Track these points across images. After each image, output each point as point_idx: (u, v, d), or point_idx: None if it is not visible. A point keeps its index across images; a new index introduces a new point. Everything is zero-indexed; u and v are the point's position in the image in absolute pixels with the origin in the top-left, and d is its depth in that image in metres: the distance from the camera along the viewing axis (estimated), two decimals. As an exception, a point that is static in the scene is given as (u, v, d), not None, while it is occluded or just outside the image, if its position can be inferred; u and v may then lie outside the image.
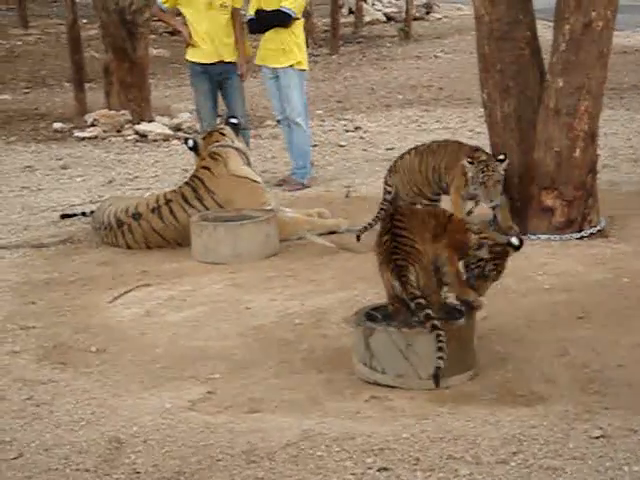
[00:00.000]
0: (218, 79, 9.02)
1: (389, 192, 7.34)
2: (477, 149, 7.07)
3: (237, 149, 7.55)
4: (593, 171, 6.92)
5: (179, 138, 11.50)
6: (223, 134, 7.59)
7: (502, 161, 6.79)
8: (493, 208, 6.95)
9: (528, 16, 7.01)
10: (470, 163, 6.79)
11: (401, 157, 7.42)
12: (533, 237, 6.76)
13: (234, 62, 8.99)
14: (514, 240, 4.71)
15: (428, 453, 3.92)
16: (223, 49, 8.94)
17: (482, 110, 7.49)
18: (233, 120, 7.81)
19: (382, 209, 7.23)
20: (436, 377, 4.42)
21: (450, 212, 5.00)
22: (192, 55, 9.05)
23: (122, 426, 4.29)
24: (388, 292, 4.68)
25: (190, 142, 7.67)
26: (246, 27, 9.16)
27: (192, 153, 7.73)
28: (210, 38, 8.90)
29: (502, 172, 6.79)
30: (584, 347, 4.90)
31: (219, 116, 9.64)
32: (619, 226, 7.06)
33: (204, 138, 7.66)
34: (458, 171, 6.94)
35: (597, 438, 3.96)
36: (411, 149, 7.45)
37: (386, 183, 7.39)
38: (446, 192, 7.16)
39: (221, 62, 8.95)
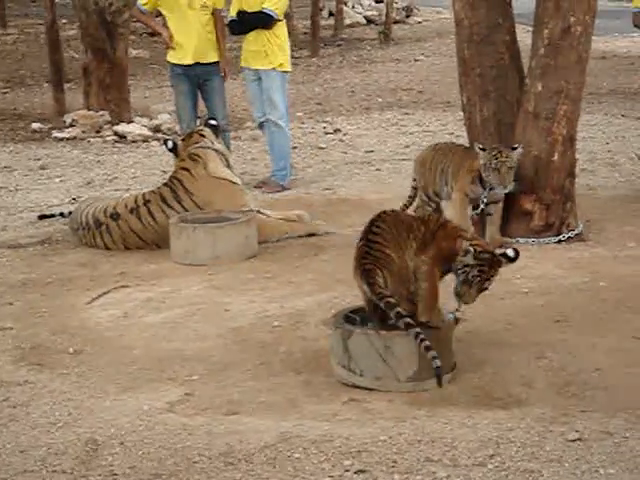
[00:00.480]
0: (198, 81, 9.00)
1: (414, 180, 7.44)
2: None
3: (216, 150, 7.54)
4: (572, 175, 6.95)
5: (158, 139, 11.47)
6: (203, 135, 7.58)
7: (515, 149, 6.70)
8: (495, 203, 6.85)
9: (508, 20, 7.05)
10: (482, 150, 6.70)
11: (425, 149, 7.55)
12: (511, 240, 6.78)
13: (215, 63, 8.98)
14: (509, 252, 4.65)
15: (406, 456, 3.92)
16: (203, 50, 8.92)
17: (462, 113, 7.51)
18: (212, 122, 7.78)
19: (410, 196, 7.43)
20: (438, 377, 4.42)
21: (445, 219, 4.93)
22: (172, 56, 9.03)
23: (99, 427, 4.27)
24: (363, 298, 4.68)
25: (169, 143, 7.65)
26: (227, 28, 9.14)
27: (171, 154, 7.70)
28: (190, 39, 8.88)
29: (515, 159, 6.68)
30: (561, 350, 4.92)
31: (199, 117, 9.62)
32: (597, 230, 7.10)
33: (184, 139, 7.64)
34: (464, 169, 6.89)
35: (573, 441, 3.97)
36: (435, 144, 7.59)
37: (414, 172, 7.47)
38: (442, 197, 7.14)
39: (201, 63, 8.93)
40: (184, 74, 8.99)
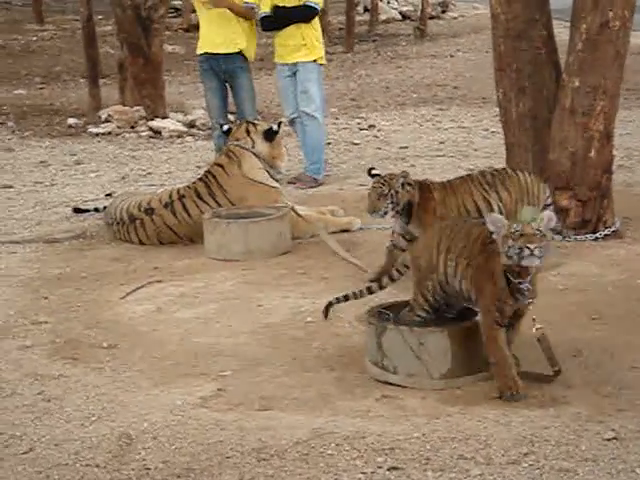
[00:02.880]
0: (225, 77, 8.99)
1: None
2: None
3: (255, 154, 7.46)
4: (608, 172, 6.88)
5: (193, 135, 11.51)
6: (248, 132, 7.52)
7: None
8: None
9: (544, 15, 6.98)
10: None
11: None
12: (547, 237, 6.72)
13: (240, 57, 8.93)
14: None
15: (439, 453, 3.90)
16: (229, 39, 8.87)
17: (497, 109, 7.46)
18: (275, 127, 7.54)
19: None
20: (326, 309, 4.93)
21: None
22: (200, 48, 9.04)
23: (132, 422, 4.28)
24: None
25: (225, 127, 7.70)
26: (259, 24, 9.11)
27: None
28: (216, 27, 8.84)
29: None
30: (598, 348, 4.86)
31: (232, 113, 9.64)
32: (634, 227, 7.02)
33: (231, 130, 7.62)
34: None
35: (609, 440, 3.93)
36: None
37: None
38: None
39: (225, 55, 8.88)
40: (211, 70, 8.99)
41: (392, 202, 5.95)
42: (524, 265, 4.20)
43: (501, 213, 5.91)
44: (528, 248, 4.16)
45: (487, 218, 4.38)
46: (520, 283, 4.26)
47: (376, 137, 11.14)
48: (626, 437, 3.95)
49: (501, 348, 4.33)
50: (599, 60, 6.63)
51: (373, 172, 6.18)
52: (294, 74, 8.98)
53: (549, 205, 6.14)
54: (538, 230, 4.19)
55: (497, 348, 4.33)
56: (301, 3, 8.80)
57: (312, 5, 8.80)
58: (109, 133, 11.77)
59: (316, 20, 8.95)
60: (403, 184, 5.98)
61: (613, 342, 4.93)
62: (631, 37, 6.84)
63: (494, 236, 4.28)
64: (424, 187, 6.13)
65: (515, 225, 4.19)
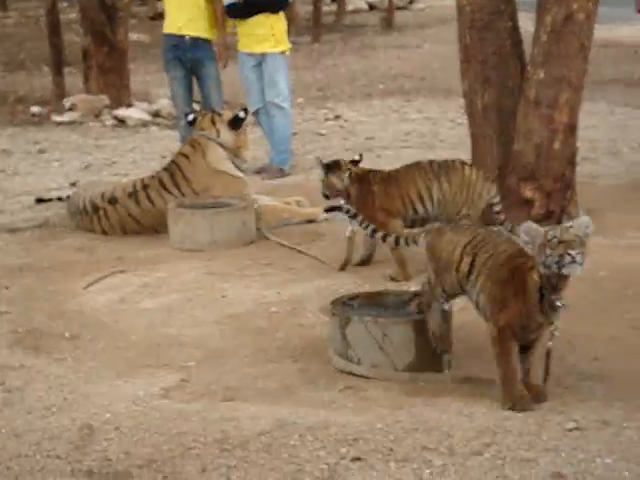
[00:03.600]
0: (191, 65, 8.93)
1: None
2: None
3: (220, 144, 7.42)
4: (572, 163, 6.91)
5: (158, 124, 11.45)
6: (213, 123, 7.47)
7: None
8: None
9: (509, 7, 7.00)
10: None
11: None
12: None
13: (207, 45, 8.88)
14: None
15: (402, 444, 3.90)
16: (195, 25, 8.82)
17: (463, 100, 7.46)
18: (241, 114, 7.51)
19: None
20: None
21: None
22: (165, 28, 8.99)
23: (94, 413, 4.25)
24: None
25: (191, 117, 7.63)
26: (226, 11, 9.03)
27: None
28: (181, 12, 8.79)
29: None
30: (560, 340, 4.86)
31: (197, 102, 9.59)
32: (597, 219, 7.01)
33: (197, 119, 7.56)
34: None
35: (571, 430, 3.95)
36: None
37: None
38: None
39: (193, 39, 8.83)
40: (176, 59, 8.93)
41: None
42: (564, 273, 4.04)
43: (440, 203, 6.09)
44: (569, 255, 3.99)
45: (521, 228, 4.15)
46: (556, 299, 4.11)
47: (342, 127, 11.13)
48: (587, 427, 3.97)
49: (512, 362, 4.22)
50: (564, 52, 6.65)
51: (323, 162, 6.29)
52: (259, 64, 8.94)
53: (495, 205, 6.16)
54: (577, 236, 4.04)
55: (509, 361, 4.21)
56: None
57: None
58: (73, 122, 11.68)
59: (282, 10, 8.94)
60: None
61: (575, 334, 4.95)
62: (595, 30, 6.87)
63: (529, 247, 4.11)
64: (364, 179, 6.17)
65: (552, 232, 4.05)
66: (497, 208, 6.17)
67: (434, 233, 4.66)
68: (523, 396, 4.20)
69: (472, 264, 4.38)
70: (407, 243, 4.90)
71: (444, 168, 6.19)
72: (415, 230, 5.02)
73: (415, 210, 6.13)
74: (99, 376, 4.69)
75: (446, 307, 4.58)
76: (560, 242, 4.01)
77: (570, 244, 4.00)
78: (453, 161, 6.33)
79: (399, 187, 6.15)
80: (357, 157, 6.40)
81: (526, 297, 4.15)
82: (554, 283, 4.09)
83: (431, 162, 6.29)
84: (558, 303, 4.12)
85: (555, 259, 4.00)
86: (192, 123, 7.57)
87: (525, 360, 4.28)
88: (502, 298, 4.23)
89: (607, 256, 6.21)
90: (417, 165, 6.28)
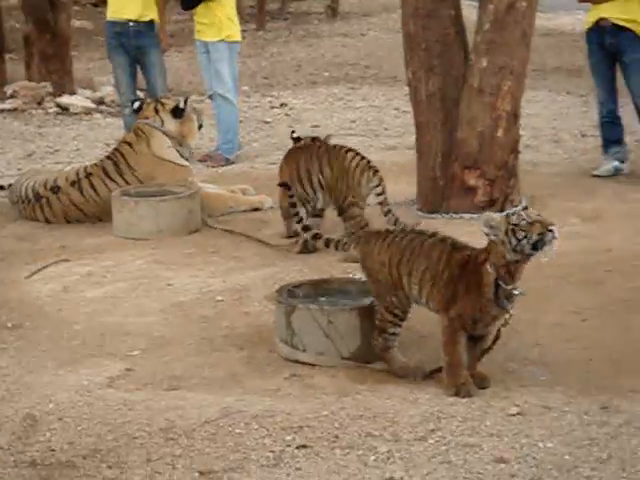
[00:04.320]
0: (136, 53, 8.87)
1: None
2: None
3: (164, 132, 7.36)
4: (515, 151, 6.98)
5: (101, 112, 11.34)
6: (157, 111, 7.40)
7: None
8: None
9: (453, -5, 7.03)
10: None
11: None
12: (456, 216, 6.81)
13: (151, 31, 8.82)
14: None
15: (347, 431, 3.92)
16: (139, 9, 8.76)
17: (407, 89, 7.49)
18: (180, 104, 7.42)
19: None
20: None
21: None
22: (110, 14, 8.92)
23: (37, 403, 4.21)
24: None
25: (137, 104, 7.57)
26: (180, 3, 9.06)
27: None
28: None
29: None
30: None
31: (141, 90, 9.52)
32: (540, 206, 7.09)
33: (141, 108, 7.50)
34: None
35: (514, 415, 4.00)
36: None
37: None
38: None
39: (137, 23, 8.78)
40: (121, 46, 8.86)
41: None
42: (546, 251, 3.99)
43: (323, 188, 6.26)
44: (550, 231, 3.98)
45: (481, 220, 4.13)
46: (513, 288, 4.13)
47: (288, 115, 11.11)
48: (529, 412, 4.03)
49: (458, 351, 4.22)
50: (506, 40, 6.71)
51: (294, 135, 6.48)
52: (208, 52, 8.91)
53: (380, 195, 6.17)
54: (538, 215, 4.05)
55: (456, 351, 4.23)
56: None
57: None
58: (15, 109, 11.50)
59: (229, -3, 8.89)
60: None
61: (518, 319, 4.97)
62: (537, 19, 6.93)
63: (491, 237, 4.09)
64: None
65: (514, 217, 4.03)
66: (380, 199, 6.16)
67: (363, 246, 4.57)
68: (466, 382, 4.24)
69: (411, 280, 4.34)
70: (337, 248, 4.80)
71: (329, 153, 6.33)
72: (344, 237, 4.94)
73: (305, 191, 6.27)
74: (42, 366, 4.65)
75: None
76: (533, 223, 4.00)
77: (544, 222, 4.00)
78: (341, 147, 6.42)
79: (288, 165, 6.42)
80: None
81: (481, 292, 4.16)
82: (513, 271, 4.10)
83: (320, 146, 6.45)
84: (515, 292, 4.15)
85: (534, 239, 3.98)
86: (138, 111, 7.51)
87: (473, 349, 4.32)
88: (453, 293, 4.23)
89: (549, 243, 6.28)
90: (306, 147, 6.49)
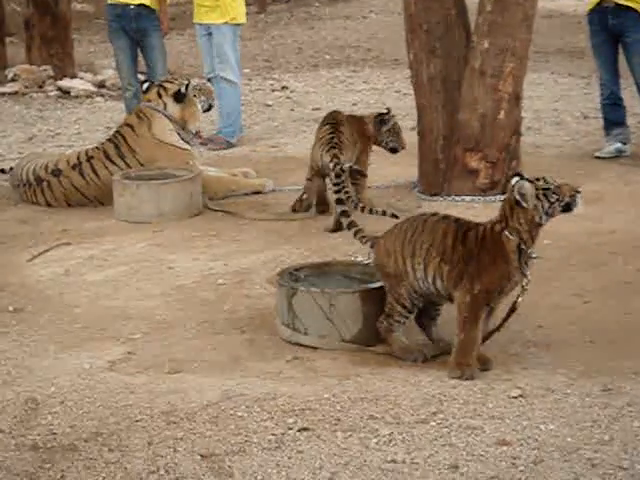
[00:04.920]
0: (137, 36, 8.84)
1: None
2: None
3: (167, 116, 7.34)
4: (517, 133, 6.95)
5: (102, 95, 11.31)
6: (160, 95, 7.37)
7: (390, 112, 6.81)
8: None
9: (455, -24, 6.99)
10: (385, 115, 6.75)
11: (338, 132, 6.61)
12: (457, 198, 6.79)
13: (152, 15, 8.79)
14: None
15: (349, 413, 3.92)
16: None
17: (409, 71, 7.46)
18: (182, 89, 7.34)
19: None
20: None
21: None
22: None
23: (39, 387, 4.22)
24: None
25: (145, 85, 7.54)
26: None
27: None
28: None
29: None
30: (505, 308, 4.92)
31: (142, 73, 9.49)
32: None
33: (145, 91, 7.48)
34: (365, 140, 6.73)
35: (515, 398, 4.00)
36: (336, 122, 6.70)
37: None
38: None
39: (139, 12, 8.75)
40: (121, 29, 8.83)
41: None
42: (575, 212, 4.27)
43: None
44: (578, 192, 4.23)
45: (515, 186, 4.21)
46: (531, 252, 4.25)
47: (289, 98, 11.08)
48: (531, 394, 4.02)
49: (478, 328, 4.26)
50: (508, 22, 6.67)
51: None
52: (210, 34, 8.87)
53: (331, 178, 6.14)
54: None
55: (476, 328, 4.25)
56: None
57: None
58: (16, 93, 11.48)
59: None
60: None
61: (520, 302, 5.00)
62: (539, 0, 6.90)
63: (524, 202, 4.19)
64: None
65: (540, 182, 4.22)
66: (333, 180, 5.84)
67: (377, 249, 4.56)
68: (471, 365, 4.24)
69: (415, 261, 4.35)
70: (355, 236, 4.75)
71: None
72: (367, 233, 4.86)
73: None
74: (44, 349, 4.65)
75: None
76: (560, 186, 4.22)
77: (570, 185, 4.25)
78: (328, 119, 6.68)
79: None
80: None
81: (507, 260, 4.23)
82: (534, 235, 4.25)
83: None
84: (534, 255, 4.26)
85: (567, 200, 4.20)
86: (145, 93, 7.49)
87: (484, 325, 4.34)
88: (477, 269, 4.24)
89: (551, 225, 6.25)
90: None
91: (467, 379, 4.20)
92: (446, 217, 4.44)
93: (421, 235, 4.38)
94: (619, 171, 7.51)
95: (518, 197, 4.19)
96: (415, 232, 4.40)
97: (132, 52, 8.99)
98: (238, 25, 8.95)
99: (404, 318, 4.45)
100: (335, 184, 5.82)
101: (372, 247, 4.61)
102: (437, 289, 4.36)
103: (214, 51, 8.84)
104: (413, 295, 4.40)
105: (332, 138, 6.49)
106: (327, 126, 6.61)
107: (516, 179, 4.30)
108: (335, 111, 6.92)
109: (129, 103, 9.00)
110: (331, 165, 6.29)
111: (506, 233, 4.23)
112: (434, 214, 4.50)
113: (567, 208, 4.24)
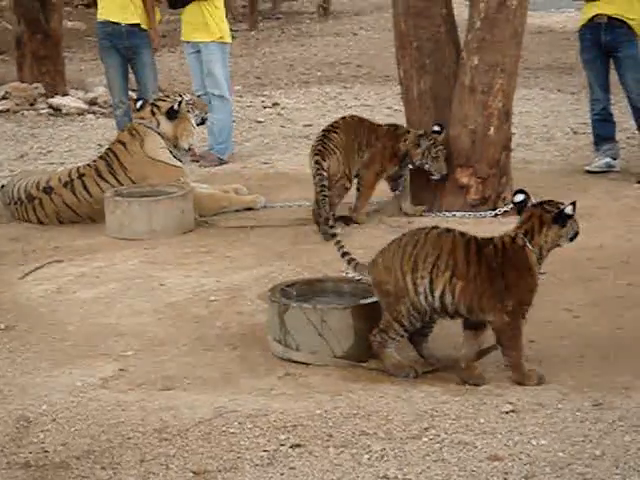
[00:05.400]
0: (127, 53, 8.87)
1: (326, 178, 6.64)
2: (396, 127, 7.01)
3: (160, 133, 7.35)
4: (507, 149, 6.99)
5: (94, 112, 11.32)
6: (153, 113, 7.40)
7: (440, 132, 6.79)
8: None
9: (444, -7, 7.04)
10: (421, 136, 6.73)
11: (327, 137, 6.75)
12: (448, 214, 6.82)
13: (143, 34, 8.82)
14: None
15: (341, 429, 3.92)
16: (128, 12, 8.76)
17: (399, 87, 7.49)
18: (175, 106, 7.36)
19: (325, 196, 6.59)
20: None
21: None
22: (100, 15, 8.90)
23: (30, 404, 4.21)
24: None
25: (139, 103, 7.56)
26: (167, 2, 9.05)
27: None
28: (121, 2, 8.74)
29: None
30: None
31: (133, 90, 9.51)
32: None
33: (139, 109, 7.50)
34: (386, 152, 6.79)
35: (507, 413, 4.00)
36: (332, 128, 6.84)
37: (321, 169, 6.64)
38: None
39: (128, 26, 8.78)
40: (112, 47, 8.86)
41: None
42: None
43: None
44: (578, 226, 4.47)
45: (568, 209, 4.36)
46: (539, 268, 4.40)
47: (280, 115, 11.11)
48: (523, 409, 4.03)
49: (522, 343, 4.35)
50: (497, 38, 6.72)
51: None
52: (198, 52, 8.90)
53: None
54: None
55: (520, 344, 4.33)
56: None
57: None
58: (7, 110, 11.48)
59: (219, -2, 8.89)
60: None
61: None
62: (529, 17, 6.94)
63: (567, 227, 4.37)
64: None
65: (569, 208, 4.36)
66: (316, 189, 6.57)
67: (371, 264, 4.52)
68: (531, 372, 4.31)
69: (416, 275, 4.31)
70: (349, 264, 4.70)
71: None
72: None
73: None
74: (36, 367, 4.65)
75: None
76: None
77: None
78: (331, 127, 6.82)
79: None
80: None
81: (532, 273, 4.31)
82: (545, 255, 4.37)
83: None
84: (542, 270, 4.43)
85: (576, 231, 4.41)
86: (140, 109, 7.51)
87: (475, 339, 4.42)
88: (506, 285, 4.26)
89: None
90: None
91: (540, 382, 4.26)
92: (449, 230, 4.42)
93: (423, 249, 4.34)
94: (608, 186, 7.55)
95: (560, 216, 4.32)
96: (416, 246, 4.35)
97: (123, 69, 9.01)
98: (225, 44, 8.96)
99: (399, 336, 4.44)
100: (318, 192, 6.08)
101: (355, 268, 4.59)
102: (443, 304, 4.32)
103: (204, 69, 8.87)
104: (412, 313, 4.36)
105: (318, 144, 6.68)
106: (321, 132, 6.81)
107: (521, 196, 4.48)
108: (347, 115, 7.15)
109: (120, 120, 9.02)
110: (313, 171, 6.57)
111: (530, 246, 4.30)
112: (435, 227, 4.48)
113: (574, 237, 4.42)
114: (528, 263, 4.29)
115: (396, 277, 4.36)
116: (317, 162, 6.59)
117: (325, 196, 6.50)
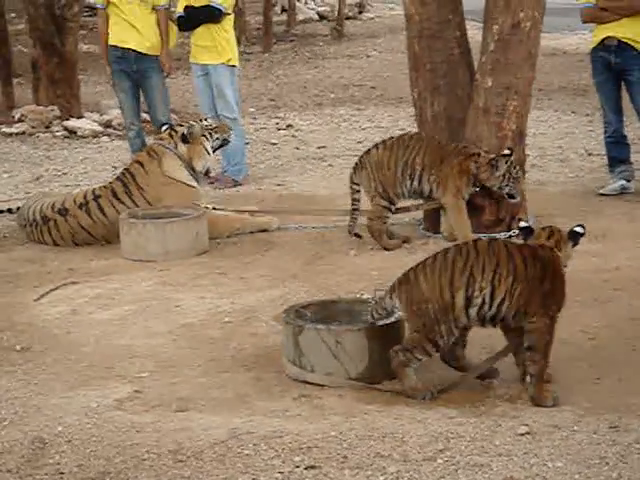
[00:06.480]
0: (137, 77, 8.92)
1: (357, 191, 6.85)
2: (465, 146, 6.81)
3: (177, 154, 7.39)
4: (522, 170, 6.98)
5: (109, 135, 11.38)
6: (171, 136, 7.44)
7: (511, 155, 6.69)
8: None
9: (458, 16, 7.07)
10: (497, 159, 6.61)
11: (367, 152, 6.90)
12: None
13: (154, 59, 8.89)
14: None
15: (356, 451, 3.91)
16: (143, 41, 8.83)
17: (413, 109, 7.51)
18: (185, 131, 7.38)
19: (354, 209, 6.80)
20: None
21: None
22: (112, 39, 8.96)
23: (46, 426, 4.21)
24: None
25: (165, 127, 7.64)
26: (176, 25, 9.10)
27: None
28: (130, 32, 8.81)
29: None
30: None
31: (146, 112, 9.57)
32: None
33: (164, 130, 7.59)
34: (455, 170, 6.66)
35: (523, 435, 3.99)
36: (378, 143, 6.96)
37: (352, 182, 6.87)
38: (417, 194, 6.81)
39: (140, 54, 8.84)
40: (123, 71, 8.92)
41: None
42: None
43: None
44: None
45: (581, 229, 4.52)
46: None
47: (294, 137, 11.15)
48: (538, 431, 4.01)
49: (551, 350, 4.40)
50: (511, 60, 6.73)
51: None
52: (206, 74, 8.95)
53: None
54: None
55: (550, 351, 4.38)
56: (207, 4, 8.77)
57: (216, 6, 8.76)
58: (23, 133, 11.57)
59: (228, 21, 8.92)
60: None
61: (526, 338, 5.00)
62: (542, 39, 6.95)
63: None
64: None
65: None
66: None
67: (402, 287, 4.42)
68: (548, 394, 4.32)
69: (476, 287, 4.29)
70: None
71: None
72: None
73: None
74: (51, 388, 4.65)
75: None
76: None
77: None
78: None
79: None
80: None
81: (563, 278, 4.41)
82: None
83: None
84: None
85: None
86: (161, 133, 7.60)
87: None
88: (550, 289, 4.34)
89: (557, 262, 6.27)
90: None
91: (555, 404, 4.26)
92: (494, 239, 4.60)
93: (478, 260, 4.30)
94: (623, 208, 7.53)
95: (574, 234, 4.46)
96: (468, 259, 4.31)
97: (134, 92, 9.07)
98: (234, 67, 9.01)
99: (427, 356, 4.40)
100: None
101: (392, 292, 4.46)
102: (499, 311, 4.31)
103: (215, 92, 8.91)
104: (453, 331, 4.34)
105: (358, 158, 6.97)
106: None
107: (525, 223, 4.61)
108: (409, 132, 7.29)
109: (132, 142, 9.09)
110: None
111: (556, 251, 4.42)
112: (477, 239, 4.69)
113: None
114: (559, 267, 4.41)
115: (442, 295, 4.30)
116: (350, 175, 6.89)
117: (354, 209, 6.73)
